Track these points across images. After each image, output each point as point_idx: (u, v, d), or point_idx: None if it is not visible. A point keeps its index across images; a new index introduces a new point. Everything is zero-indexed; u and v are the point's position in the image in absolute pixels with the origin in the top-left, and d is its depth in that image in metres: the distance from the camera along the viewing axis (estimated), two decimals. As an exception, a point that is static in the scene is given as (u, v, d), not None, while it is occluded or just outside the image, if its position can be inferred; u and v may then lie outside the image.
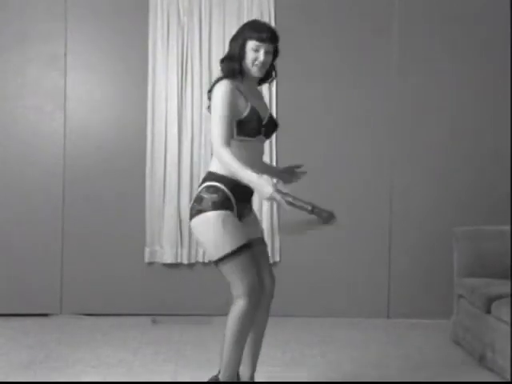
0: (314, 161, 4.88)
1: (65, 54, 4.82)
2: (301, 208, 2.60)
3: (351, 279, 4.89)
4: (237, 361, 2.84)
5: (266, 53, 2.87)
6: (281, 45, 5.04)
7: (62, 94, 4.82)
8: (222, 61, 2.91)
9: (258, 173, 2.71)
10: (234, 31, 5.05)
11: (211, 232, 2.76)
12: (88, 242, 4.83)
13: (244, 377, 2.98)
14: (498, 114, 4.89)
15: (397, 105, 4.90)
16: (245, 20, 4.79)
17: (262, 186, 2.66)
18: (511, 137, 4.84)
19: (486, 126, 4.90)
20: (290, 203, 2.60)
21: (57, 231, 4.81)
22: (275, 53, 2.96)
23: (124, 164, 4.83)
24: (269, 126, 2.93)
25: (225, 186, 2.80)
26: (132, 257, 4.82)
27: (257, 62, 2.85)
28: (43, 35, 4.80)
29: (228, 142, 2.75)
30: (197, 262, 4.80)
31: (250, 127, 2.81)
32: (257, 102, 2.91)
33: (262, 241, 3.01)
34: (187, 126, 4.80)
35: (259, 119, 2.85)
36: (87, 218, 4.82)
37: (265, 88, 4.52)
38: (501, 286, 3.73)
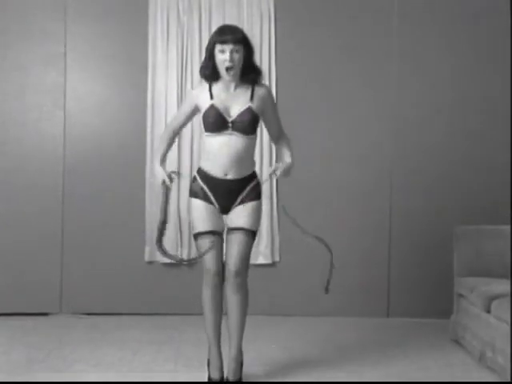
0: (314, 160, 4.89)
1: (65, 54, 4.82)
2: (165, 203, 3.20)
3: (351, 279, 4.88)
4: (208, 329, 3.21)
5: (233, 52, 3.01)
6: (281, 45, 5.05)
7: (62, 94, 4.82)
8: (200, 69, 3.16)
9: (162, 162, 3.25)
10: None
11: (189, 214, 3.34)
12: (88, 242, 4.82)
13: (229, 356, 3.23)
14: (498, 114, 4.89)
15: (397, 105, 4.89)
16: (245, 20, 4.80)
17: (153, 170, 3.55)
18: (511, 137, 4.84)
19: (486, 125, 4.90)
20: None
21: (57, 230, 4.81)
22: (249, 51, 3.08)
23: (124, 163, 4.82)
24: (240, 122, 3.06)
25: (199, 176, 3.18)
26: (132, 256, 4.82)
27: (226, 63, 3.01)
28: (43, 35, 4.80)
29: (167, 127, 3.38)
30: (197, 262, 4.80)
31: (209, 122, 3.07)
32: (227, 100, 3.08)
33: (240, 230, 3.16)
34: (187, 126, 4.78)
35: (219, 115, 3.05)
36: (87, 217, 4.82)
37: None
38: (501, 286, 3.73)
